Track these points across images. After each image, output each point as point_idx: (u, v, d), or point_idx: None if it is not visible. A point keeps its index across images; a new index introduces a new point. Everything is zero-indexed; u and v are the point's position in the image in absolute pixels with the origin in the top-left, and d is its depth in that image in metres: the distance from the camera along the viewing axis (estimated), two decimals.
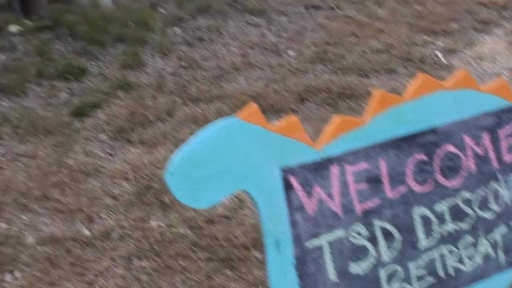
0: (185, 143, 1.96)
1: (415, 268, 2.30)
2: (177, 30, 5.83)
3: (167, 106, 4.55)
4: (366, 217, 2.21)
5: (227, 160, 2.01)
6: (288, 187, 2.09)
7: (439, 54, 5.19)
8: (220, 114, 4.34)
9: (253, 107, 2.05)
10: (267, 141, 2.05)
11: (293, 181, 2.10)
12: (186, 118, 4.38)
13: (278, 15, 6.08)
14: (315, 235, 2.13)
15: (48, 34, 5.81)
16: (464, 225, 2.38)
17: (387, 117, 2.24)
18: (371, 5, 6.21)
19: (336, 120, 2.21)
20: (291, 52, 5.30)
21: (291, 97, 4.55)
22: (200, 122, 4.29)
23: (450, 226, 2.35)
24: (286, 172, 2.09)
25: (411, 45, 5.35)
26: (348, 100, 4.50)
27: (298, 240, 2.11)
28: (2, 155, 4.21)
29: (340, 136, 2.18)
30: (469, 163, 2.37)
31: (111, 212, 3.54)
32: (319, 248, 2.14)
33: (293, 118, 2.12)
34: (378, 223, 2.24)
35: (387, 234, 2.25)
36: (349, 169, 2.19)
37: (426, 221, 2.31)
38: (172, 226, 3.39)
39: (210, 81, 4.88)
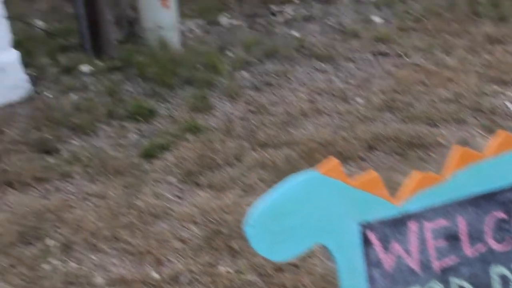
0: (264, 195, 1.97)
1: None
2: (245, 74, 5.88)
3: (235, 151, 4.58)
4: (444, 275, 2.19)
5: (306, 214, 2.02)
6: (366, 242, 2.08)
7: (510, 105, 5.13)
8: (288, 161, 4.35)
9: (334, 161, 2.05)
10: (347, 195, 2.06)
11: (372, 236, 2.09)
12: (255, 163, 4.40)
13: (346, 61, 6.10)
14: None
15: (118, 75, 5.93)
16: None
17: (467, 174, 2.21)
18: (439, 53, 6.18)
19: (415, 176, 2.20)
20: (359, 99, 5.30)
21: (359, 145, 4.54)
22: (268, 168, 4.31)
23: None
24: (365, 227, 2.08)
25: (481, 95, 5.29)
26: (417, 149, 4.47)
27: None
28: (73, 194, 4.29)
29: (419, 192, 2.17)
30: None
31: (179, 256, 3.56)
32: None
33: (373, 174, 2.12)
34: (455, 281, 2.21)
35: None
36: (428, 225, 2.17)
37: (504, 281, 2.27)
38: (241, 272, 3.39)
39: (278, 126, 4.90)
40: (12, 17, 5.78)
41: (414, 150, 4.47)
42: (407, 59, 6.09)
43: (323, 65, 6.04)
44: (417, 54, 6.18)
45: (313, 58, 6.17)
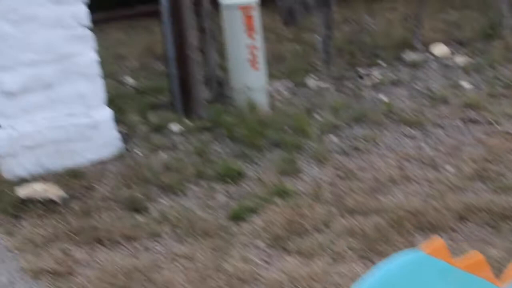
0: (367, 272, 1.94)
1: None
2: (333, 138, 5.88)
3: (323, 216, 4.55)
4: None
5: None
6: None
7: None
8: (378, 229, 4.30)
9: (439, 241, 2.03)
10: (451, 277, 2.02)
11: None
12: (343, 230, 4.36)
13: (435, 127, 6.04)
14: None
15: (207, 135, 6.00)
16: None
17: None
18: None
19: None
20: (449, 167, 5.22)
21: (450, 215, 4.45)
22: (357, 235, 4.27)
23: None
24: None
25: None
26: (511, 222, 4.36)
27: None
28: (161, 254, 4.32)
29: None
30: None
31: None
32: None
33: (478, 256, 2.08)
34: None
35: None
36: None
37: None
38: None
39: (367, 192, 4.86)
40: (105, 75, 5.93)
41: (507, 223, 4.36)
42: (498, 127, 5.99)
43: (411, 130, 5.99)
44: (508, 122, 6.06)
45: (402, 124, 6.12)
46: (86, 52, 5.66)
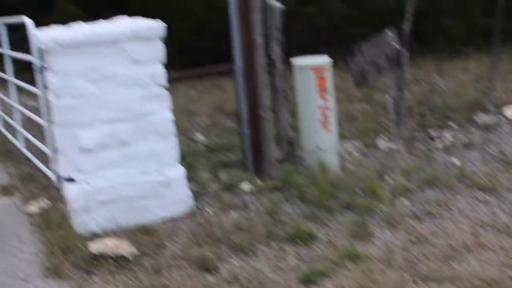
0: None
1: None
2: (405, 201, 5.83)
3: (396, 283, 4.48)
4: None
5: None
6: None
7: None
8: None
9: None
10: None
11: None
12: None
13: (509, 193, 5.93)
14: None
15: (278, 195, 6.01)
16: None
17: None
18: None
19: None
20: None
21: None
22: None
23: None
24: None
25: None
26: None
27: None
28: None
29: None
30: None
31: None
32: None
33: None
34: None
35: None
36: None
37: None
38: None
39: (440, 259, 4.78)
40: (176, 132, 6.00)
41: None
42: None
43: (485, 196, 5.89)
44: None
45: (475, 188, 6.04)
46: (162, 111, 5.76)
